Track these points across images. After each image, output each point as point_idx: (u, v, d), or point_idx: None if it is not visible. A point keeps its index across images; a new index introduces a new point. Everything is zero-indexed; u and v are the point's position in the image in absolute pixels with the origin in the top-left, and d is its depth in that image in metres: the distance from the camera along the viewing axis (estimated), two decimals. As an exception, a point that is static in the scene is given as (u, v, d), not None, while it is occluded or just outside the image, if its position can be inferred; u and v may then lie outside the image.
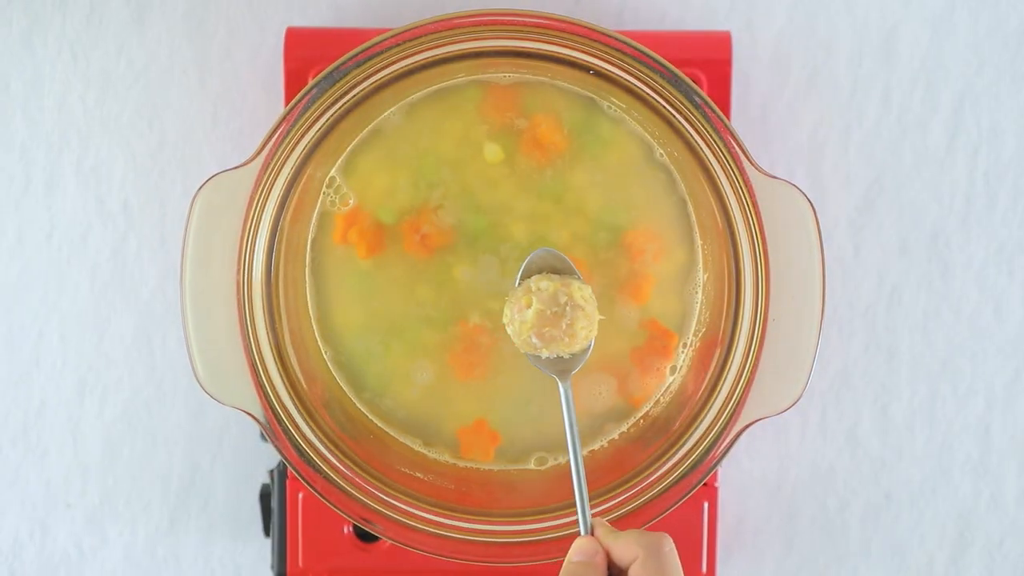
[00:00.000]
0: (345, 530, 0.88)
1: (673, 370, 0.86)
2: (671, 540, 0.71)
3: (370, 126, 0.84)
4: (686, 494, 0.82)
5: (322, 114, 0.81)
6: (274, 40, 0.93)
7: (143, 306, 0.94)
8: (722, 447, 0.81)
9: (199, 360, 0.80)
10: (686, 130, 0.81)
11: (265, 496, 0.91)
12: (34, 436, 0.95)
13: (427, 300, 0.85)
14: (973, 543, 0.96)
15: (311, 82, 0.80)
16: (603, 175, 0.85)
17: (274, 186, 0.81)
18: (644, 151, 0.85)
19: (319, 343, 0.85)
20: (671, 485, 0.82)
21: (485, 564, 0.82)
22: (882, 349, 0.95)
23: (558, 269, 0.82)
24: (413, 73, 0.81)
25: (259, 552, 0.96)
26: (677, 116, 0.81)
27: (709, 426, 0.82)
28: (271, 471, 0.90)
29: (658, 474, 0.82)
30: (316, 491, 0.81)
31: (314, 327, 0.85)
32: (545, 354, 0.81)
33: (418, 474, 0.85)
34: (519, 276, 0.82)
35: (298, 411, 0.82)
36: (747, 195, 0.80)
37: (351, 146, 0.84)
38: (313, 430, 0.82)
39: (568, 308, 0.80)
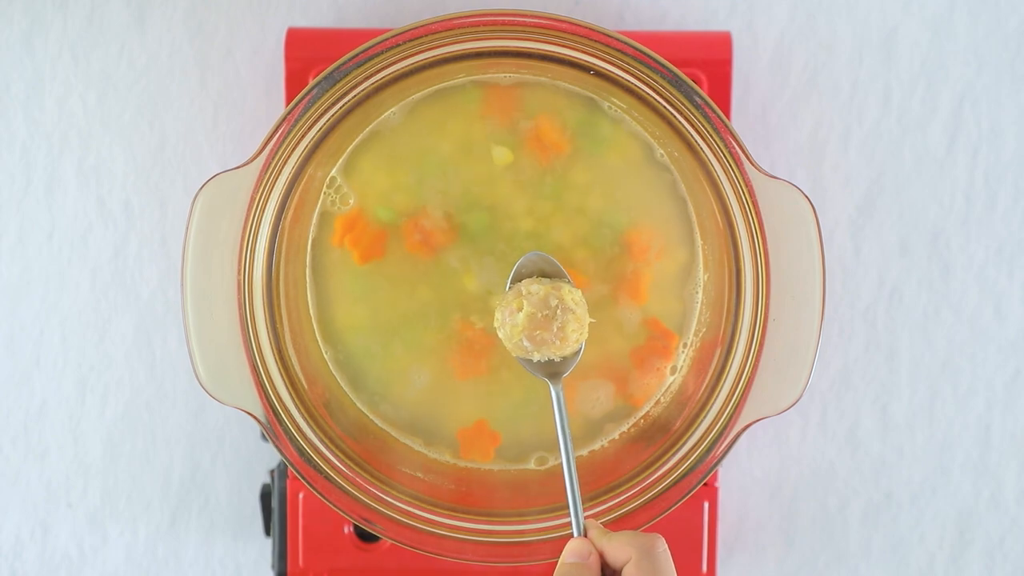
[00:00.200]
0: (346, 530, 0.88)
1: (673, 370, 0.86)
2: (664, 541, 0.71)
3: (371, 126, 0.84)
4: (686, 494, 0.81)
5: (323, 114, 0.81)
6: (275, 40, 0.93)
7: (144, 306, 0.94)
8: (722, 447, 0.81)
9: (200, 360, 0.80)
10: (686, 130, 0.81)
11: (266, 496, 0.91)
12: (35, 436, 0.95)
13: (428, 300, 0.85)
14: (973, 542, 0.96)
15: (312, 82, 0.80)
16: (603, 175, 0.84)
17: (275, 186, 0.81)
18: (645, 151, 0.85)
19: (320, 343, 0.85)
20: (671, 485, 0.82)
21: (485, 564, 0.82)
22: (882, 349, 0.95)
23: (548, 273, 0.82)
24: (414, 73, 0.81)
25: (260, 552, 0.96)
26: (677, 116, 0.81)
27: (709, 426, 0.82)
28: (272, 471, 0.90)
29: (658, 474, 0.82)
30: (317, 491, 0.81)
31: (315, 327, 0.85)
32: (536, 357, 0.81)
33: (418, 474, 0.85)
34: (509, 280, 0.82)
35: (299, 411, 0.82)
36: (747, 195, 0.80)
37: (352, 146, 0.84)
38: (314, 430, 0.82)
39: (559, 311, 0.80)
